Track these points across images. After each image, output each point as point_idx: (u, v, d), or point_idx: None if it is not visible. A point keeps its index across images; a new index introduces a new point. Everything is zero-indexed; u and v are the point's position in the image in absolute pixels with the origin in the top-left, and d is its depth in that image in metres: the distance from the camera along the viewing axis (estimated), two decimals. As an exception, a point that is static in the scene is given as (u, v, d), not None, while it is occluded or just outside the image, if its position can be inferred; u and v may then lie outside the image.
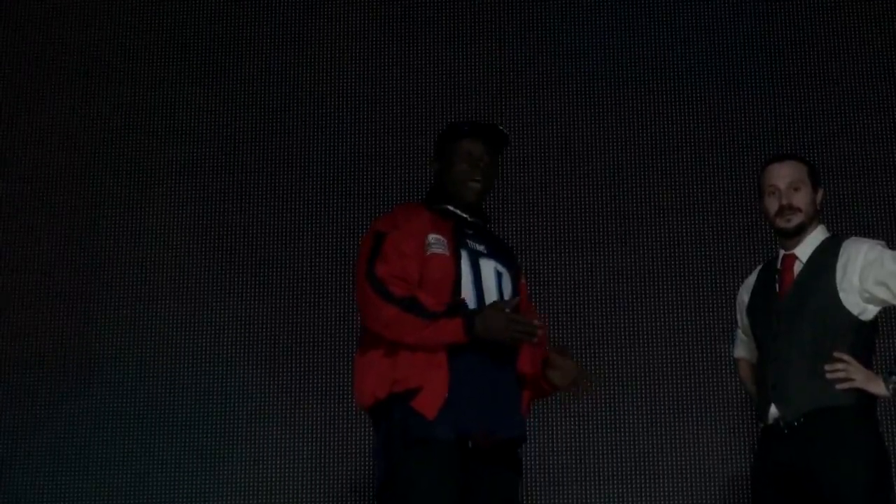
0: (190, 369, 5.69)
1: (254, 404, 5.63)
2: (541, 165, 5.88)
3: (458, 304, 3.53)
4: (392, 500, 3.49)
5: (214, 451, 5.57)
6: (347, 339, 5.59)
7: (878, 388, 3.74)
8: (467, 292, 3.60)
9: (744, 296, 4.10)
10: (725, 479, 5.34)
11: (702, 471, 5.36)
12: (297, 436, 5.57)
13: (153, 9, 6.23)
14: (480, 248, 3.70)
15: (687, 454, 5.39)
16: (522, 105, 5.95)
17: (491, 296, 3.63)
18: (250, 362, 5.68)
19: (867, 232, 4.13)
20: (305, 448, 5.55)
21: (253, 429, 5.59)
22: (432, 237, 3.63)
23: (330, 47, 6.14)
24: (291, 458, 5.55)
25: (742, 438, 5.25)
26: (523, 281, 3.82)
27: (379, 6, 6.18)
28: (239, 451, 5.56)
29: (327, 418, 5.58)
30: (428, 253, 3.60)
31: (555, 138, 5.92)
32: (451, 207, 3.74)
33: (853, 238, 3.92)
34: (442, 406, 3.48)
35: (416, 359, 3.53)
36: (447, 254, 3.62)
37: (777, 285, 3.94)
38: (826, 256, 3.87)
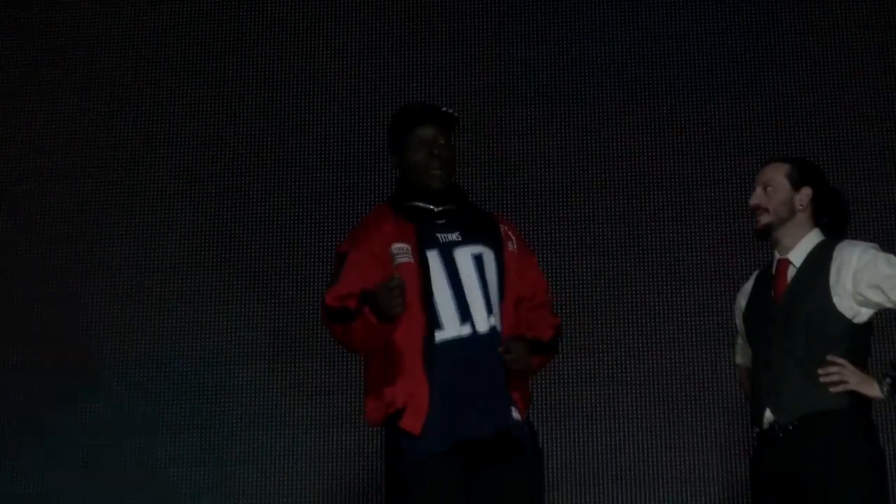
0: (190, 371, 5.72)
1: (255, 405, 5.66)
2: (541, 170, 5.88)
3: (360, 294, 3.50)
4: None
5: (216, 453, 5.61)
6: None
7: (872, 390, 3.73)
8: (442, 290, 3.57)
9: (741, 301, 4.09)
10: (725, 484, 5.33)
11: (702, 475, 5.36)
12: (298, 436, 5.60)
13: (152, 11, 6.25)
14: (454, 236, 3.64)
15: (687, 459, 5.39)
16: (525, 109, 5.95)
17: (472, 284, 3.60)
18: (251, 363, 5.71)
19: (863, 235, 4.11)
20: (307, 449, 5.59)
21: (254, 430, 5.62)
22: (395, 247, 3.60)
23: (331, 50, 6.16)
24: (293, 458, 5.58)
25: (742, 443, 5.24)
26: (510, 249, 3.71)
27: (382, 8, 6.19)
28: (240, 452, 5.60)
29: (329, 419, 5.60)
30: (395, 264, 3.57)
31: (555, 142, 5.93)
32: (418, 203, 3.68)
33: (846, 241, 3.91)
34: (426, 421, 3.49)
35: (399, 379, 3.54)
36: (412, 261, 3.58)
37: (772, 290, 3.93)
38: (819, 260, 3.86)
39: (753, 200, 3.94)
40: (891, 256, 3.83)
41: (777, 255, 3.97)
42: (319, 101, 6.07)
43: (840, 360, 3.75)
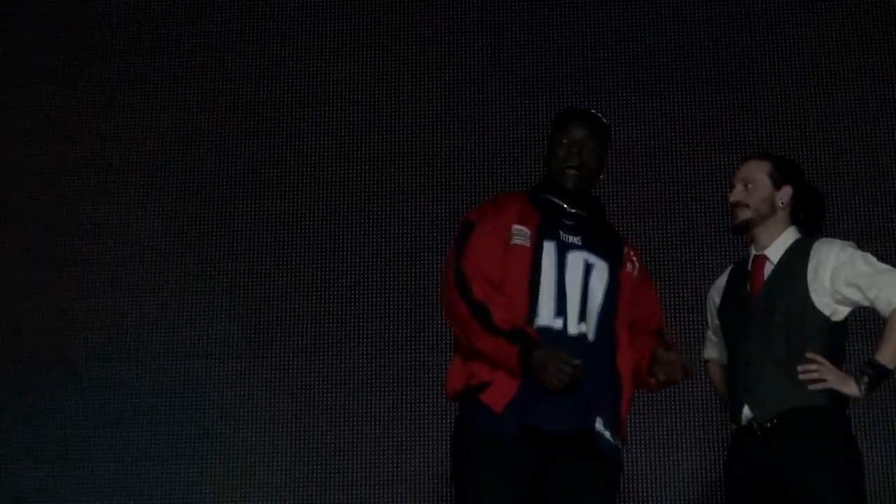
0: (168, 364, 5.67)
1: (232, 399, 5.62)
2: (525, 165, 5.83)
3: (521, 332, 3.51)
4: (456, 491, 3.55)
5: (192, 447, 5.56)
6: (325, 332, 5.63)
7: (850, 388, 3.74)
8: (547, 281, 3.60)
9: (714, 297, 4.10)
10: (700, 481, 5.33)
11: (676, 472, 5.36)
12: (276, 431, 5.55)
13: (133, 3, 6.21)
14: (574, 239, 3.66)
15: (661, 455, 5.38)
16: (520, 105, 5.92)
17: (574, 287, 3.61)
18: (229, 357, 5.67)
19: (836, 233, 4.11)
20: (285, 443, 5.54)
21: (231, 424, 5.58)
22: (515, 227, 3.64)
23: (311, 44, 6.12)
24: (270, 453, 5.54)
25: (718, 441, 5.24)
26: (628, 270, 3.72)
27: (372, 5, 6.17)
28: (217, 446, 5.55)
29: (307, 413, 5.57)
30: (511, 243, 3.62)
31: (538, 137, 5.90)
32: (552, 198, 3.72)
33: (824, 239, 3.92)
34: (510, 401, 3.49)
35: None
36: (527, 245, 3.62)
37: (748, 286, 3.93)
38: (797, 257, 3.87)
39: (734, 197, 3.95)
40: (868, 255, 3.86)
41: (753, 251, 3.98)
42: (299, 97, 6.03)
43: (819, 358, 3.76)
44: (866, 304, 3.82)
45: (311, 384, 5.59)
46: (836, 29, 5.90)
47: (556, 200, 3.71)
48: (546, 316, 3.57)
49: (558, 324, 3.56)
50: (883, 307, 3.78)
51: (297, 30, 6.14)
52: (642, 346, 3.67)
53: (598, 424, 3.52)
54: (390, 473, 5.45)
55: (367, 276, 5.73)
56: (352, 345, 5.61)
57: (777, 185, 3.93)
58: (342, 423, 5.53)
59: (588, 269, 3.64)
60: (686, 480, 5.35)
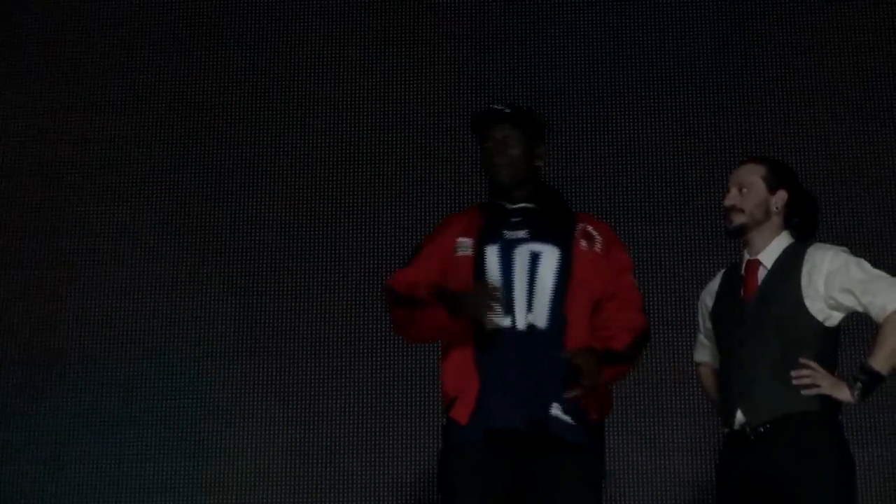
0: (162, 366, 5.68)
1: (226, 401, 5.63)
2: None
3: (441, 291, 3.64)
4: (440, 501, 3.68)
5: (186, 449, 5.58)
6: (322, 335, 5.66)
7: (843, 394, 3.75)
8: (494, 284, 3.66)
9: (707, 300, 4.10)
10: (690, 484, 5.34)
11: (666, 475, 5.37)
12: (270, 433, 5.57)
13: (129, 3, 6.22)
14: (520, 234, 3.73)
15: (651, 458, 5.39)
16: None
17: (520, 280, 3.67)
18: (222, 359, 5.69)
19: (833, 238, 4.12)
20: (279, 445, 5.56)
21: (225, 425, 5.59)
22: (459, 241, 3.76)
23: (306, 44, 6.14)
24: (264, 454, 5.56)
25: (706, 443, 5.25)
26: (583, 247, 3.74)
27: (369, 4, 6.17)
28: (211, 448, 5.57)
29: (300, 415, 5.59)
30: (456, 256, 3.73)
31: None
32: (494, 200, 3.81)
33: (817, 244, 3.92)
34: (473, 411, 3.60)
35: (453, 370, 3.69)
36: (469, 254, 3.71)
37: (741, 291, 3.93)
38: (791, 262, 3.87)
39: (728, 201, 3.95)
40: (862, 261, 3.86)
41: (746, 256, 3.97)
42: (294, 98, 6.05)
43: (812, 364, 3.76)
44: (860, 309, 3.82)
45: (307, 386, 5.62)
46: (834, 32, 5.92)
47: (498, 202, 3.79)
48: (496, 319, 3.64)
49: (507, 322, 3.64)
50: (877, 313, 3.79)
51: (297, 32, 6.15)
52: (607, 324, 3.71)
53: (555, 410, 3.59)
54: (386, 478, 5.46)
55: (365, 280, 5.74)
56: (349, 348, 5.63)
57: (772, 190, 3.93)
58: (339, 426, 5.55)
59: (534, 259, 3.70)
60: (676, 484, 5.36)
